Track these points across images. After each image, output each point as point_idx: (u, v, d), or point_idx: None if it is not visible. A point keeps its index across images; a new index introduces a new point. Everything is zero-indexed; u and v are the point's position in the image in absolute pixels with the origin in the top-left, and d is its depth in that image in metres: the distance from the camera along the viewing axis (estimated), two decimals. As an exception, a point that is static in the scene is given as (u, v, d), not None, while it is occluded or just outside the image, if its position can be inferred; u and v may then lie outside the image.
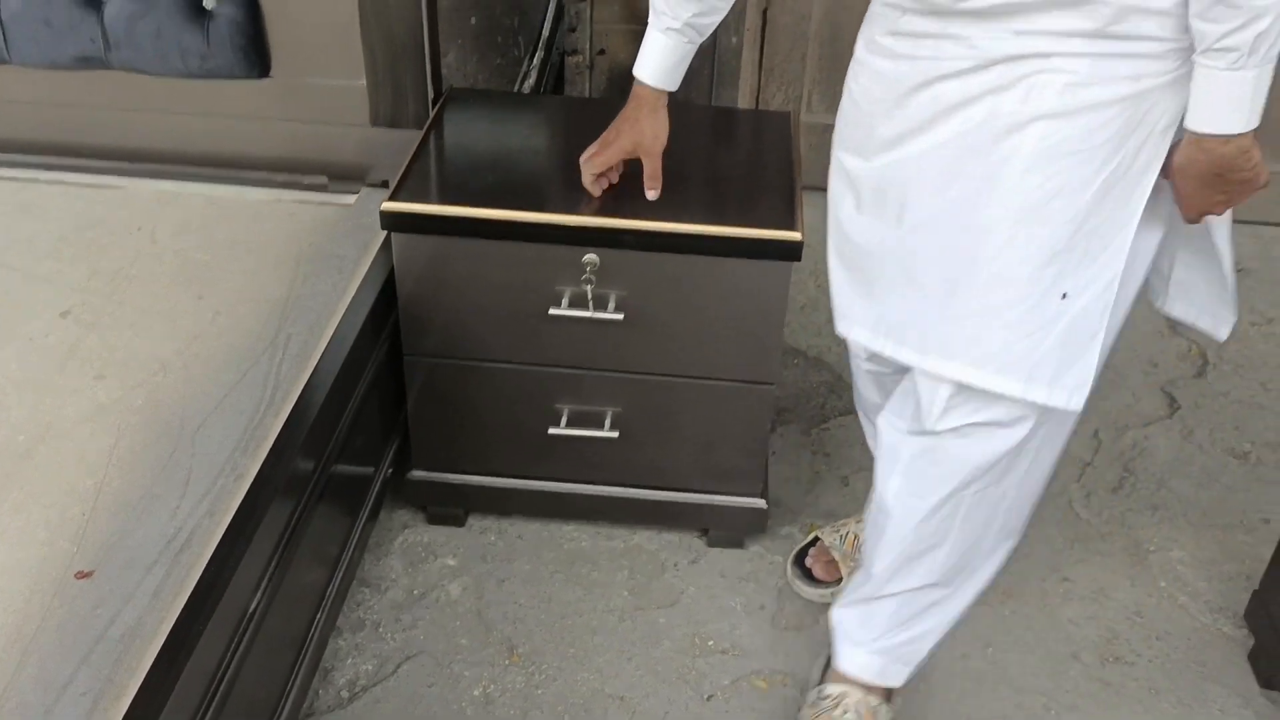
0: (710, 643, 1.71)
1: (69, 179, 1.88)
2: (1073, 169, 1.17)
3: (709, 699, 1.63)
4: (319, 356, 1.51)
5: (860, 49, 1.32)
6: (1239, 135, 1.11)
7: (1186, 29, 1.10)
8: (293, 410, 1.42)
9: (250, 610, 1.28)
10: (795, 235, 1.54)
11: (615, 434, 1.70)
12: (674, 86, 1.48)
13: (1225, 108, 1.10)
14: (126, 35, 1.76)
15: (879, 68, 1.27)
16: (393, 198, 1.58)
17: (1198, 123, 1.12)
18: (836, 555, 1.76)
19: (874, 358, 1.53)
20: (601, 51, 2.67)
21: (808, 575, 1.78)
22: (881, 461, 1.44)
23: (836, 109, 1.39)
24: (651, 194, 1.56)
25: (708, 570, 1.82)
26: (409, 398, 1.73)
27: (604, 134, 1.54)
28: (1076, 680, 1.70)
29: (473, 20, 2.56)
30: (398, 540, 1.84)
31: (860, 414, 1.72)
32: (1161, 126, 1.17)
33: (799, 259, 1.55)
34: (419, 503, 1.85)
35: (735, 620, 1.74)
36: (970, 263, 1.24)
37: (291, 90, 1.83)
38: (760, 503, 1.79)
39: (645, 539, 1.87)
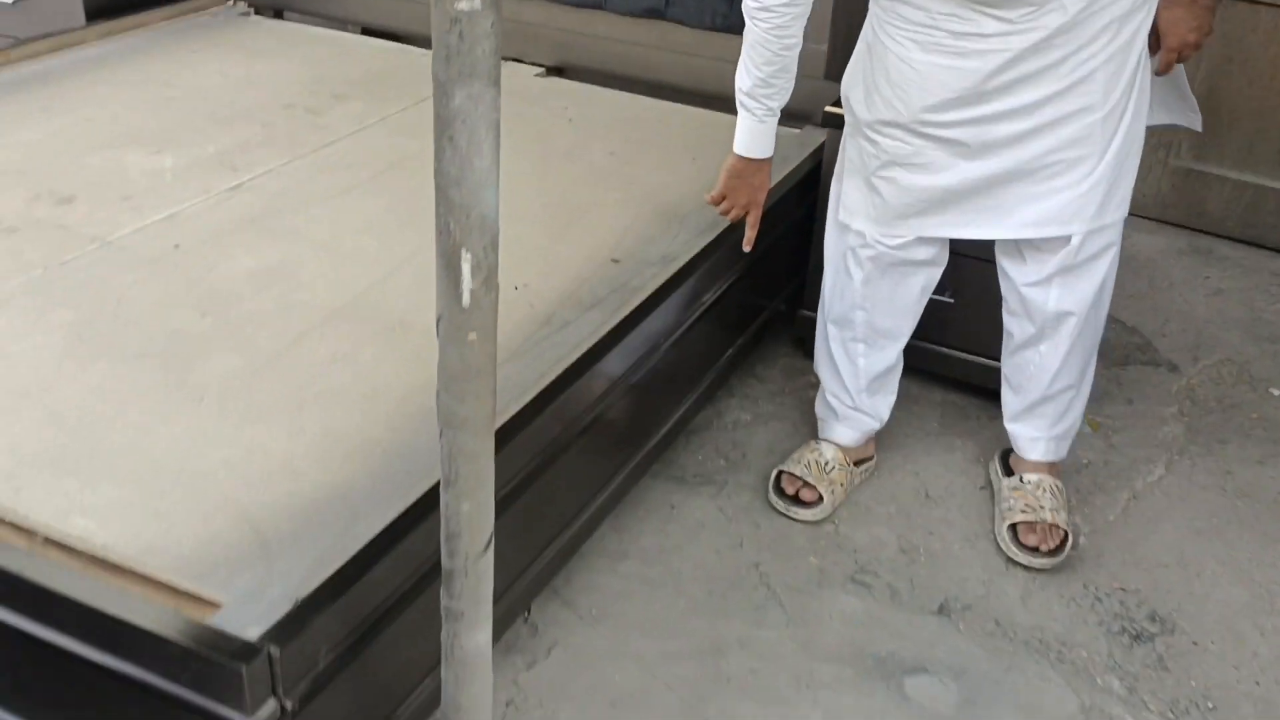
0: (994, 463, 2.32)
1: (621, 96, 2.84)
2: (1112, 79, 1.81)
3: (980, 488, 2.25)
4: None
5: (915, 53, 1.83)
6: None
7: None
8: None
9: (703, 301, 2.09)
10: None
11: (951, 300, 2.37)
12: (771, 153, 2.06)
13: None
14: (681, -5, 2.70)
15: (951, 64, 1.80)
16: (833, 106, 2.37)
17: None
18: (809, 479, 2.17)
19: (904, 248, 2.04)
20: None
21: (796, 501, 2.16)
22: (1024, 314, 2.06)
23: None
24: (748, 247, 2.16)
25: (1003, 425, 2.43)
26: (812, 253, 2.50)
27: (725, 191, 2.08)
28: (1283, 554, 2.14)
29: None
30: (779, 362, 2.61)
31: (834, 323, 2.19)
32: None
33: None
34: (802, 334, 2.60)
35: (1014, 455, 2.33)
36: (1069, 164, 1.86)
37: (775, 48, 2.68)
38: (1051, 378, 2.38)
39: (957, 397, 2.51)
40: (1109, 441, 2.43)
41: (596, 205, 2.28)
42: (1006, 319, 2.12)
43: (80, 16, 2.95)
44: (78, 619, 1.26)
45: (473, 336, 0.98)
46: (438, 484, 1.13)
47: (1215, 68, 3.19)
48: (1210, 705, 1.83)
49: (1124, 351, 2.75)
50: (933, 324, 2.43)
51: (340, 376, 1.71)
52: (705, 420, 2.38)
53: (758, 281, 2.41)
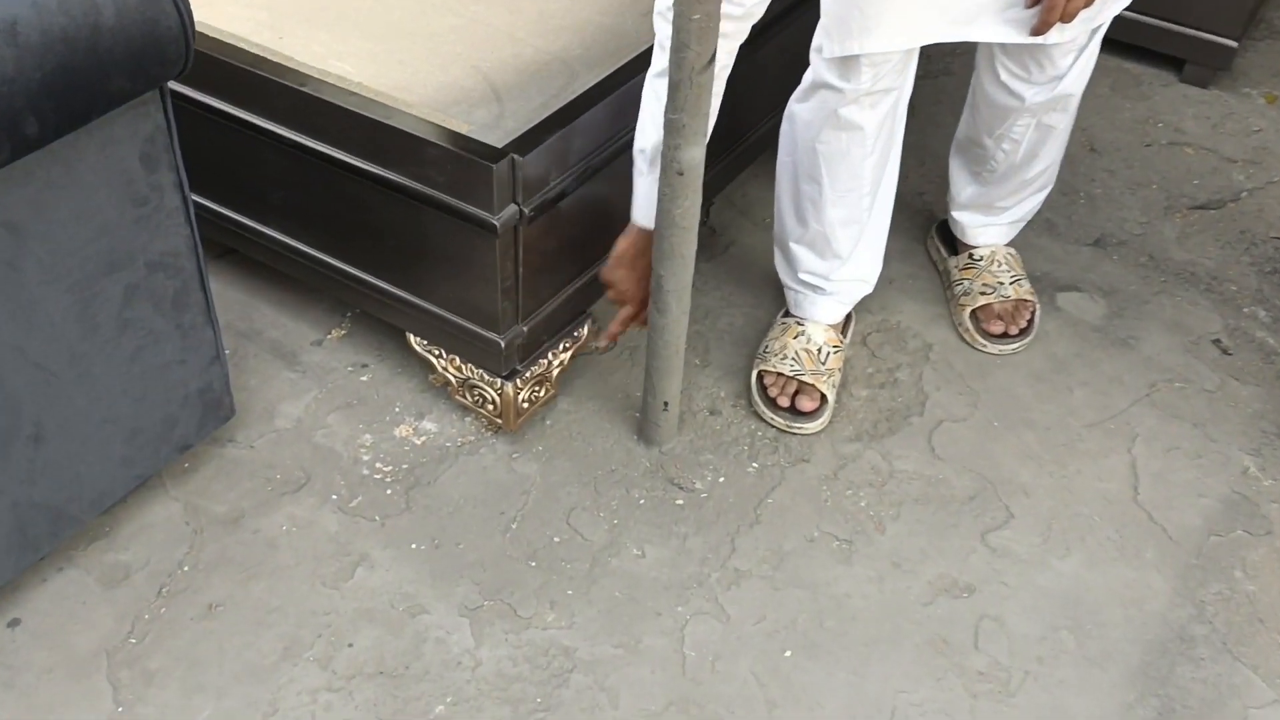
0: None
1: None
2: None
3: (1146, 145, 2.29)
4: None
5: None
6: None
7: None
8: None
9: None
10: None
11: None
12: None
13: None
14: None
15: None
16: None
17: None
18: None
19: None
20: None
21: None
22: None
23: None
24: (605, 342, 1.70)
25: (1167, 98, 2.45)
26: None
27: (623, 292, 1.57)
28: None
29: None
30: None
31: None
32: None
33: None
34: None
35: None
36: None
37: None
38: (1232, 43, 2.36)
39: (1130, 64, 2.51)
40: (1283, 113, 2.43)
41: None
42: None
43: None
44: (352, 131, 1.46)
45: None
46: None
47: None
48: (1351, 334, 1.92)
49: (1311, 33, 2.69)
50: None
51: (551, -28, 1.83)
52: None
53: None
